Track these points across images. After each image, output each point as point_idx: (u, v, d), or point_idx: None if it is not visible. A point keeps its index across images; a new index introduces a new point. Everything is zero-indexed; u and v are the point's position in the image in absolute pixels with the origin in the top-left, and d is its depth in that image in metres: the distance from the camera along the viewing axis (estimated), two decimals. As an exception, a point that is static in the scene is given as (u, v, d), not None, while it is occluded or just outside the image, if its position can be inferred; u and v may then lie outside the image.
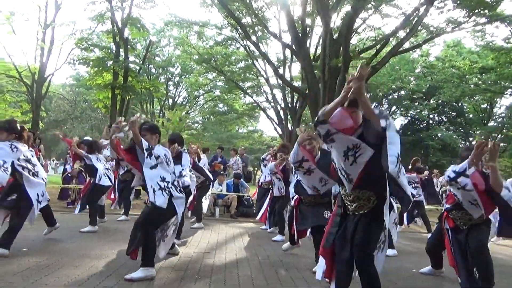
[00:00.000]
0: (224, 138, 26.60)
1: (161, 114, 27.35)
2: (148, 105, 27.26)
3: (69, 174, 8.97)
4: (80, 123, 30.92)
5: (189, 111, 28.72)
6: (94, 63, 16.92)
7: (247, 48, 19.07)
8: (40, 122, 18.38)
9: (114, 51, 17.25)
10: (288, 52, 18.44)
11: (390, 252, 5.14)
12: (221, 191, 8.96)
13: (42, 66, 17.27)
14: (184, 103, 29.41)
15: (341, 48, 12.44)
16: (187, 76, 27.30)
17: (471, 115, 26.47)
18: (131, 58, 18.79)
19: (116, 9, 16.61)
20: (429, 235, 7.59)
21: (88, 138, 9.93)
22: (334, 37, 13.16)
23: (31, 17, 17.45)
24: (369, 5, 13.65)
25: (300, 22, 14.49)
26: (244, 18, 16.68)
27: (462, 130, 26.66)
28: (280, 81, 18.32)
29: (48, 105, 25.36)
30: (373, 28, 16.40)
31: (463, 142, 26.37)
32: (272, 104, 20.96)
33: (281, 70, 18.75)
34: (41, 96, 17.43)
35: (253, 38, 16.44)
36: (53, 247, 4.57)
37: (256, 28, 17.17)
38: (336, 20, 14.85)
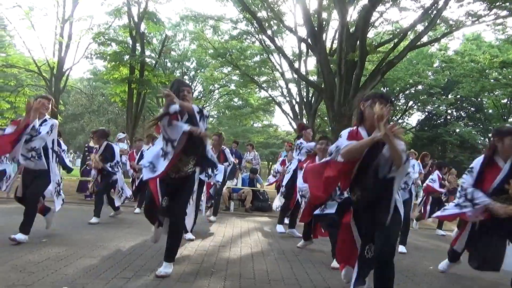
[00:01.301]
0: (239, 133, 26.64)
1: (176, 108, 27.46)
2: (164, 100, 27.50)
3: (87, 167, 9.13)
4: (97, 116, 31.35)
5: (204, 105, 28.82)
6: (111, 58, 17.12)
7: (262, 42, 19.00)
8: (58, 115, 18.69)
9: (130, 46, 17.43)
10: (303, 46, 18.30)
11: (401, 249, 5.11)
12: (236, 185, 9.00)
13: (61, 60, 17.52)
14: (199, 97, 29.52)
15: (358, 42, 12.28)
16: (202, 70, 27.37)
17: (490, 111, 25.89)
18: (147, 53, 18.93)
19: (132, 4, 16.74)
20: (439, 231, 7.56)
21: (122, 133, 10.10)
22: (351, 31, 12.99)
23: (50, 12, 17.80)
24: (387, -2, 13.45)
25: (316, 15, 14.35)
26: (260, 12, 16.60)
27: (481, 126, 26.11)
28: (295, 75, 18.21)
29: (66, 99, 25.77)
30: (391, 22, 16.14)
31: (482, 138, 25.85)
32: (287, 98, 20.88)
33: (296, 64, 18.62)
34: (59, 90, 17.70)
35: (269, 32, 16.36)
36: (72, 238, 4.66)
37: (271, 22, 17.08)
38: (352, 14, 14.68)
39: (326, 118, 17.77)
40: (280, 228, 6.11)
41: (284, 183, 5.99)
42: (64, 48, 17.58)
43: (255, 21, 16.32)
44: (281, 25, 16.39)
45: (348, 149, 2.58)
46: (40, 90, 21.19)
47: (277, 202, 6.32)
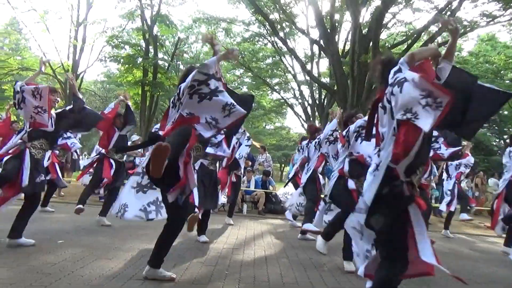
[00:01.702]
0: (251, 135, 26.67)
1: (188, 111, 27.63)
2: (177, 102, 27.63)
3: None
4: (111, 118, 31.65)
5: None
6: (124, 60, 17.33)
7: (274, 44, 19.02)
8: (73, 118, 18.96)
9: (143, 48, 17.58)
10: (316, 48, 18.27)
11: None
12: (249, 187, 9.00)
13: (75, 63, 17.78)
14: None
15: (371, 43, 12.21)
16: (214, 73, 27.44)
17: (506, 112, 25.44)
18: (160, 55, 19.10)
19: (145, 7, 16.92)
20: (444, 231, 7.43)
21: (135, 136, 10.22)
22: (364, 32, 12.93)
23: (64, 16, 17.95)
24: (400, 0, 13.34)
25: (328, 17, 14.31)
26: (272, 14, 16.63)
27: (496, 128, 25.67)
28: (307, 77, 18.19)
29: (80, 101, 26.10)
30: (404, 23, 16.00)
31: (497, 140, 25.40)
32: (300, 100, 20.86)
33: (308, 66, 18.59)
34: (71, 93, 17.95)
35: (281, 34, 16.38)
36: (87, 240, 4.71)
37: (283, 24, 17.10)
38: (365, 15, 14.59)
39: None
40: (309, 226, 5.04)
41: (303, 181, 5.69)
42: (79, 51, 17.84)
43: (267, 23, 16.37)
44: (293, 27, 16.40)
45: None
46: (56, 94, 21.54)
47: (296, 199, 6.18)
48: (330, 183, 4.26)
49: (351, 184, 4.03)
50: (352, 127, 4.03)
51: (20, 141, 4.16)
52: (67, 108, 4.63)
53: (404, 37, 15.24)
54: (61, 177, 6.87)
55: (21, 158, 4.04)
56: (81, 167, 7.10)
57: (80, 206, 5.56)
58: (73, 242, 4.54)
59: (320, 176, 6.03)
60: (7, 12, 22.14)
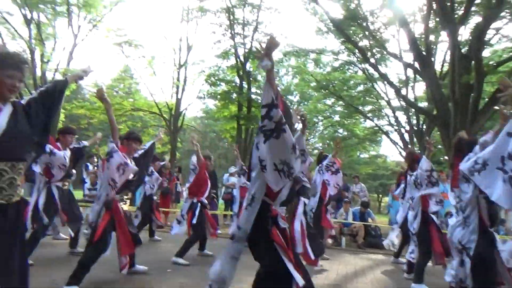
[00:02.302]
0: (345, 164, 26.01)
1: (281, 141, 28.05)
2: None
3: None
4: (210, 152, 33.63)
5: (309, 138, 28.97)
6: (221, 97, 18.44)
7: (365, 71, 18.66)
8: (176, 152, 20.51)
9: (238, 84, 18.54)
10: (410, 72, 17.48)
11: None
12: (346, 219, 8.73)
13: (178, 102, 19.38)
14: (303, 130, 29.84)
15: (473, 63, 11.32)
16: (305, 103, 27.72)
17: None
18: (253, 90, 19.92)
19: (239, 45, 17.94)
20: None
21: (233, 167, 10.75)
22: (463, 51, 12.06)
23: (168, 60, 19.83)
24: (503, 13, 12.23)
25: (422, 39, 13.68)
26: (361, 41, 16.43)
27: None
28: (403, 103, 17.38)
29: (183, 136, 28.16)
30: (510, 39, 14.57)
31: None
32: (396, 127, 19.93)
33: (403, 91, 17.80)
34: (177, 129, 19.49)
35: (372, 60, 16.03)
36: (195, 269, 4.96)
37: (374, 50, 16.76)
38: (463, 33, 13.65)
39: (440, 147, 16.48)
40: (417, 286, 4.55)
41: (413, 227, 4.86)
42: (181, 91, 19.47)
43: (357, 51, 16.18)
44: (385, 52, 15.96)
45: None
46: (161, 129, 23.66)
47: (393, 239, 5.92)
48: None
49: None
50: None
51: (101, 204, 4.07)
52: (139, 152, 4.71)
53: (511, 53, 13.85)
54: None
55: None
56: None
57: None
58: (181, 272, 4.83)
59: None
60: (121, 61, 25.39)
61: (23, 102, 2.37)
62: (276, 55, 24.04)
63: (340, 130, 26.92)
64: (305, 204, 5.00)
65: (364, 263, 6.55)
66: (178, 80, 19.48)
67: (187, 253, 5.50)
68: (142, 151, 4.72)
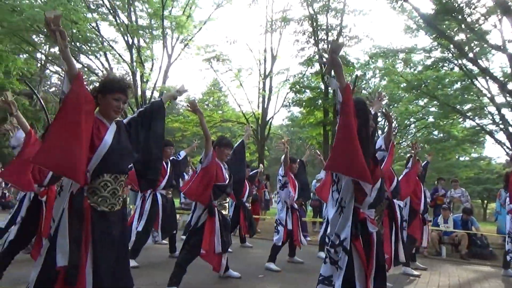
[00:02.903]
0: (442, 168, 24.21)
1: (370, 146, 27.07)
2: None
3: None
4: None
5: (400, 141, 27.50)
6: (306, 104, 18.42)
7: (463, 67, 17.20)
8: (264, 160, 20.91)
9: (323, 90, 18.36)
10: (517, 64, 15.69)
11: None
12: (448, 227, 8.07)
13: (264, 111, 19.79)
14: (394, 133, 28.44)
15: None
16: (395, 105, 26.44)
17: None
18: (339, 95, 19.54)
19: (323, 51, 17.75)
20: None
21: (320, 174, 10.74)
22: None
23: (254, 71, 20.36)
24: None
25: (531, 26, 12.24)
26: (457, 35, 15.23)
27: None
28: (510, 99, 15.66)
29: (269, 145, 28.71)
30: None
31: None
32: (501, 126, 17.98)
33: (510, 86, 16.02)
34: (264, 138, 19.89)
35: (470, 55, 14.74)
36: (287, 275, 5.00)
37: (472, 44, 15.39)
38: None
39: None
40: None
41: None
42: (266, 100, 19.85)
43: (452, 46, 15.02)
44: (485, 44, 14.58)
45: None
46: (249, 139, 24.34)
47: None
48: None
49: None
50: None
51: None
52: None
53: None
54: None
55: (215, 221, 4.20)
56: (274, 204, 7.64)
57: None
58: (273, 278, 4.89)
59: None
60: (211, 75, 26.85)
61: (125, 121, 2.66)
62: (362, 57, 23.39)
63: (435, 132, 25.13)
64: (399, 207, 4.75)
65: (469, 275, 5.99)
66: (263, 90, 19.92)
67: (279, 260, 5.56)
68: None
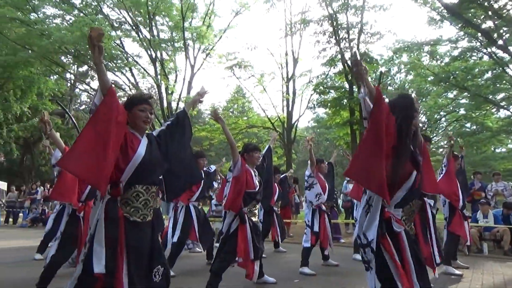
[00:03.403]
0: (477, 161, 23.36)
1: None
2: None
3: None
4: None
5: (432, 136, 26.76)
6: (331, 104, 18.25)
7: (492, 55, 16.61)
8: (292, 163, 20.82)
9: (347, 89, 18.14)
10: (552, 48, 15.01)
11: None
12: (487, 222, 7.77)
13: (289, 114, 19.73)
14: (424, 128, 27.71)
15: None
16: (424, 99, 25.80)
17: None
18: (365, 93, 19.26)
19: (345, 50, 17.61)
20: None
21: None
22: None
23: (276, 75, 20.35)
24: None
25: None
26: (484, 23, 14.72)
27: None
28: (546, 85, 15.01)
29: (296, 148, 28.62)
30: None
31: None
32: (540, 113, 17.24)
33: (545, 71, 15.37)
34: (291, 141, 19.82)
35: (500, 42, 14.22)
36: (321, 279, 4.94)
37: (501, 31, 14.84)
38: None
39: None
40: None
41: None
42: (291, 103, 19.79)
43: (479, 34, 14.55)
44: (516, 30, 14.03)
45: None
46: (275, 143, 24.32)
47: None
48: None
49: None
50: None
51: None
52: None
53: None
54: None
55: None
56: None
57: None
58: (308, 282, 4.84)
59: None
60: (234, 82, 27.24)
61: (154, 133, 2.75)
62: (386, 53, 23.00)
63: (468, 125, 24.33)
64: (430, 206, 4.60)
65: (515, 272, 5.72)
66: (287, 93, 19.89)
67: (313, 264, 5.50)
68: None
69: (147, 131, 2.69)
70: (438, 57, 20.17)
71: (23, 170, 25.90)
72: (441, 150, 25.82)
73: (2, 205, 15.72)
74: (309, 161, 5.84)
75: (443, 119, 26.37)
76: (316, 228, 5.56)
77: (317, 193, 5.69)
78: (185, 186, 3.10)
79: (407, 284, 2.33)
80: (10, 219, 15.20)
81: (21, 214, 15.16)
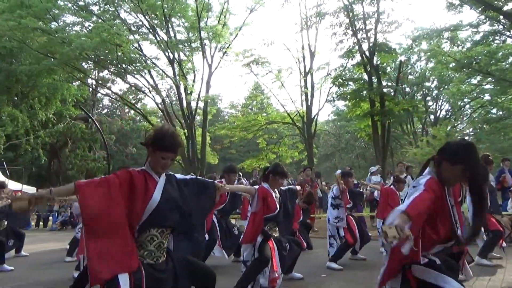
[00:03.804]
0: (506, 148, 22.69)
1: (423, 133, 26.03)
2: (408, 125, 26.52)
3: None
4: (346, 154, 33.03)
5: (456, 124, 26.17)
6: (351, 96, 18.03)
7: (517, 37, 16.12)
8: (313, 158, 20.73)
9: (367, 81, 17.90)
10: None
11: None
12: (516, 211, 7.56)
13: (308, 109, 19.62)
14: (448, 116, 27.10)
15: None
16: (446, 87, 25.23)
17: None
18: (384, 83, 18.98)
19: (362, 41, 17.36)
20: None
21: (373, 167, 10.49)
22: None
23: (294, 70, 20.25)
24: None
25: None
26: (506, 5, 14.26)
27: None
28: None
29: (317, 142, 28.54)
30: None
31: None
32: None
33: None
34: (311, 135, 19.72)
35: (524, 23, 13.77)
36: (349, 273, 4.92)
37: (525, 11, 14.35)
38: None
39: None
40: None
41: None
42: (310, 98, 19.67)
43: (502, 17, 14.10)
44: (540, 10, 13.53)
45: None
46: (296, 138, 24.26)
47: None
48: None
49: None
50: None
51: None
52: None
53: None
54: None
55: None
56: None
57: None
58: (336, 277, 4.83)
59: None
60: (251, 79, 27.37)
61: (178, 177, 2.64)
62: (404, 42, 22.54)
63: (494, 110, 23.66)
64: None
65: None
66: (305, 87, 19.77)
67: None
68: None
69: (167, 173, 2.57)
70: (459, 42, 19.71)
71: (51, 175, 26.69)
72: (466, 137, 25.17)
73: (33, 209, 16.24)
74: (340, 191, 5.71)
75: (467, 106, 25.72)
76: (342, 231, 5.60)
77: (340, 217, 5.67)
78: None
79: None
80: (41, 223, 15.71)
81: (50, 218, 15.64)
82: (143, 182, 2.39)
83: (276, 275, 3.96)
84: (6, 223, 6.81)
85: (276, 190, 4.28)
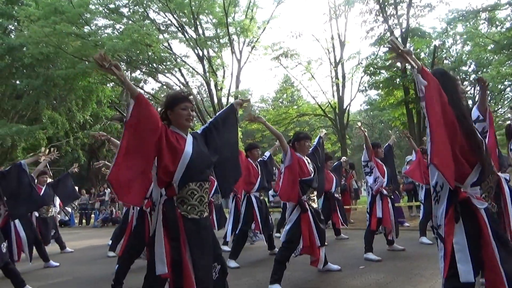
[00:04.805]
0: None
1: (462, 118, 25.01)
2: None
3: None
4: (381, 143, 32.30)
5: (497, 108, 25.00)
6: (383, 85, 17.60)
7: (562, 14, 15.15)
8: (347, 149, 20.42)
9: (400, 68, 17.40)
10: None
11: None
12: None
13: (340, 99, 19.31)
14: (489, 100, 25.93)
15: None
16: (484, 70, 24.09)
17: None
18: (419, 69, 18.38)
19: (394, 27, 16.88)
20: None
21: (409, 156, 10.23)
22: None
23: (324, 60, 19.93)
24: None
25: None
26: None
27: None
28: None
29: (350, 133, 28.00)
30: None
31: None
32: None
33: None
34: (344, 126, 19.41)
35: None
36: (388, 265, 4.82)
37: None
38: None
39: None
40: None
41: None
42: (341, 88, 19.34)
43: (545, -7, 13.26)
44: None
45: None
46: (328, 129, 23.96)
47: None
48: None
49: None
50: None
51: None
52: None
53: None
54: None
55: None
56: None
57: None
58: (374, 268, 4.74)
59: None
60: (281, 72, 27.23)
61: (199, 131, 2.81)
62: (439, 25, 21.72)
63: (538, 93, 22.42)
64: (506, 180, 4.24)
65: None
66: (336, 78, 19.45)
67: (379, 250, 5.38)
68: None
69: (191, 130, 2.73)
70: (497, 23, 18.74)
71: (90, 174, 27.65)
72: (508, 122, 24.02)
73: (76, 207, 16.90)
74: (364, 147, 5.69)
75: (508, 89, 24.49)
76: (379, 214, 5.42)
77: (376, 176, 5.54)
78: (233, 182, 3.08)
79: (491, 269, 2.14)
80: (83, 220, 16.34)
81: (92, 215, 16.24)
82: (173, 139, 2.51)
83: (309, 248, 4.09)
84: (38, 214, 7.00)
85: (306, 157, 4.40)
